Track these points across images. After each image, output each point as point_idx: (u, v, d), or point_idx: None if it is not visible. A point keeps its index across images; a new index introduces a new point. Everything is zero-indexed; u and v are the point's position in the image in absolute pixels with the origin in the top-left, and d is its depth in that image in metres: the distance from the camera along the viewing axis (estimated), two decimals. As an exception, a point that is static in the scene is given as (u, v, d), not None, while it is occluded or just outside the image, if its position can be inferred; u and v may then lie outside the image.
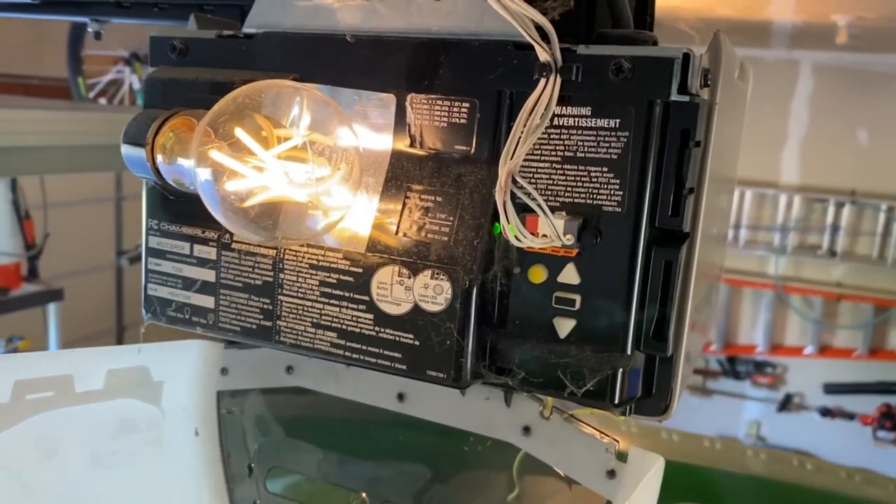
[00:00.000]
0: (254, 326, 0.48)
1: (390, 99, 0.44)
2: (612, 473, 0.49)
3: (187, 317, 0.50)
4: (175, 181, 0.44)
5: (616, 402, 0.43)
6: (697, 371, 2.91)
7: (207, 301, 0.49)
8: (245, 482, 0.57)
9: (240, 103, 0.40)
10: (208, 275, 0.49)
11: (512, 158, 0.40)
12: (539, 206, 0.40)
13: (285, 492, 0.57)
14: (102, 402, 0.51)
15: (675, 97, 0.40)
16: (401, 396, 0.54)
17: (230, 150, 0.41)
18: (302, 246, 0.46)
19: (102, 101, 2.57)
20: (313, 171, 0.40)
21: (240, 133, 0.40)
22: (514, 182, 0.40)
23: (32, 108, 1.96)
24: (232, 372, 0.58)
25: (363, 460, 0.56)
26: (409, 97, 0.44)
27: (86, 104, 2.44)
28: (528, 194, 0.40)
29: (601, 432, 0.50)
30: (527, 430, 0.51)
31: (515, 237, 0.40)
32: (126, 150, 0.44)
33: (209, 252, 0.48)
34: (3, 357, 0.45)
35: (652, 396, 0.46)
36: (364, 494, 0.54)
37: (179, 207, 0.48)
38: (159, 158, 0.43)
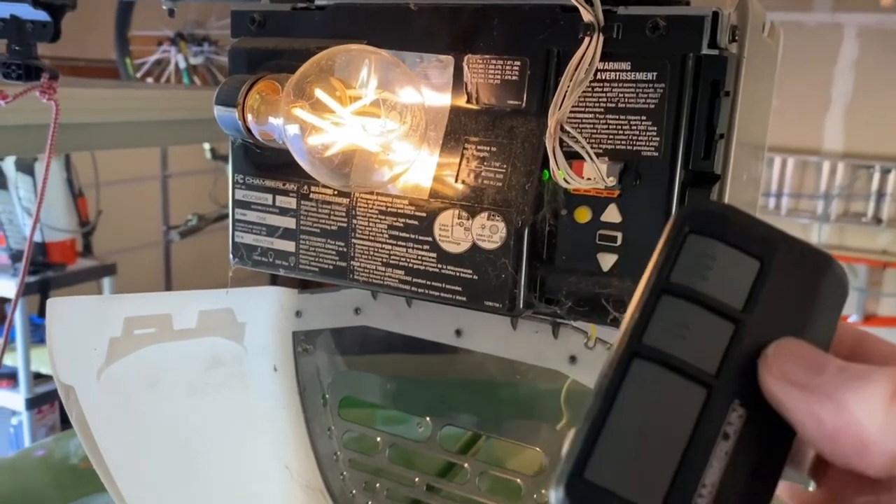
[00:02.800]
0: (330, 267, 0.54)
1: (449, 60, 0.50)
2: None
3: (271, 260, 0.56)
4: (263, 137, 0.50)
5: (655, 326, 0.48)
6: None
7: (289, 246, 0.55)
8: (320, 411, 0.64)
9: (321, 66, 0.46)
10: (289, 222, 0.55)
11: (560, 109, 0.45)
12: (585, 151, 0.45)
13: (356, 419, 0.63)
14: (195, 339, 0.58)
15: (705, 51, 0.45)
16: (458, 332, 0.59)
17: (312, 108, 0.46)
18: (372, 194, 0.52)
19: (149, 80, 2.66)
20: (385, 125, 0.46)
21: (320, 94, 0.46)
22: (563, 130, 0.45)
23: (85, 86, 2.04)
24: (305, 314, 0.64)
25: (424, 389, 0.63)
26: (465, 58, 0.49)
27: (135, 83, 2.53)
28: (576, 141, 0.45)
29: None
30: (573, 359, 0.56)
31: (564, 180, 0.46)
32: (219, 110, 0.50)
33: (290, 202, 0.55)
34: (114, 297, 0.52)
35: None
36: (427, 418, 0.60)
37: (263, 162, 0.55)
38: (249, 118, 0.49)
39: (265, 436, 0.62)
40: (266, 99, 0.49)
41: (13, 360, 2.30)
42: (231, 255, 0.57)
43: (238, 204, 0.56)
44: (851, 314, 2.98)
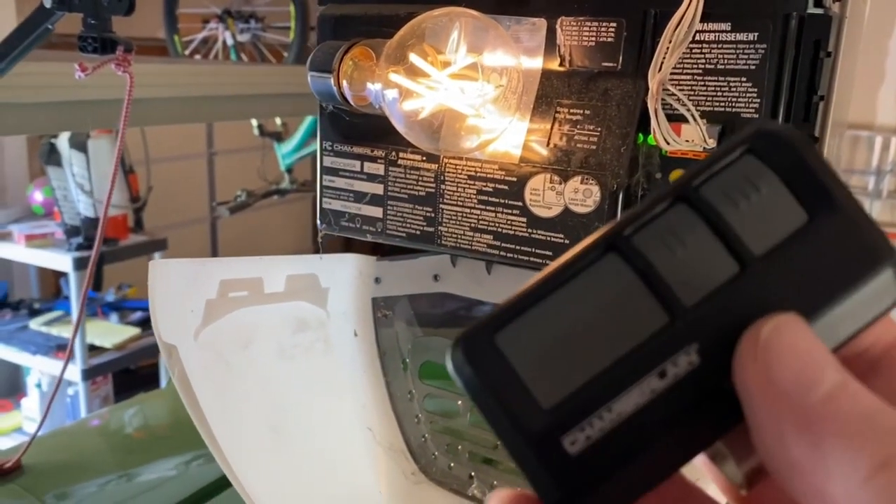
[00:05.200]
0: (418, 232, 0.55)
1: (541, 23, 0.50)
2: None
3: (358, 226, 0.57)
4: (357, 103, 0.50)
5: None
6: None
7: (376, 211, 0.56)
8: (400, 375, 0.65)
9: (419, 31, 0.46)
10: (377, 188, 0.55)
11: (661, 71, 0.45)
12: (689, 112, 0.45)
13: (436, 383, 0.64)
14: (284, 303, 0.59)
15: (811, 10, 0.44)
16: (540, 298, 0.60)
17: (408, 72, 0.47)
18: (461, 159, 0.52)
19: (197, 58, 2.69)
20: (482, 88, 0.46)
21: (416, 59, 0.46)
22: (665, 92, 0.45)
23: (135, 62, 2.06)
24: (384, 281, 0.65)
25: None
26: (559, 20, 0.49)
27: (185, 59, 2.56)
28: (680, 102, 0.45)
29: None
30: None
31: (665, 140, 0.45)
32: (313, 77, 0.50)
33: (378, 168, 0.55)
34: (210, 260, 0.53)
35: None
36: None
37: (351, 130, 0.55)
38: (344, 84, 0.49)
39: (348, 398, 0.64)
40: (360, 65, 0.50)
41: (69, 332, 2.37)
42: (319, 221, 0.58)
43: (326, 171, 0.57)
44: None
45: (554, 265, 0.18)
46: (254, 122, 2.40)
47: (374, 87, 0.48)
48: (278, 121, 2.49)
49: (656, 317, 0.17)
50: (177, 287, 0.51)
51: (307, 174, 3.24)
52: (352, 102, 0.50)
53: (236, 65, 2.40)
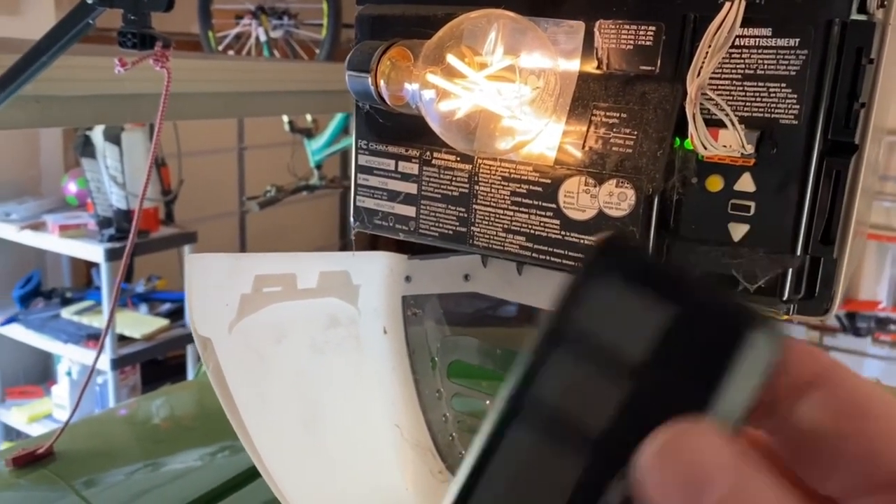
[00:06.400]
0: (450, 232, 0.55)
1: (579, 26, 0.50)
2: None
3: (391, 224, 0.57)
4: (393, 103, 0.50)
5: (784, 298, 0.48)
6: (814, 326, 2.85)
7: (409, 210, 0.56)
8: (429, 374, 0.65)
9: (457, 32, 0.46)
10: (411, 187, 0.56)
11: (699, 76, 0.44)
12: (728, 117, 0.44)
13: (464, 382, 0.64)
14: (316, 299, 0.60)
15: (854, 16, 0.44)
16: (570, 300, 0.60)
17: (445, 73, 0.47)
18: (495, 161, 0.52)
19: (230, 53, 2.72)
20: (519, 90, 0.46)
21: (454, 60, 0.47)
22: (704, 96, 0.45)
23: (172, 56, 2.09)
24: (415, 279, 0.65)
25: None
26: (597, 23, 0.49)
27: (218, 55, 2.59)
28: (719, 107, 0.45)
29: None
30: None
31: (702, 145, 0.45)
32: (351, 76, 0.51)
33: (412, 168, 0.56)
34: (246, 255, 0.54)
35: (814, 298, 0.50)
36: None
37: (387, 129, 0.56)
38: (381, 83, 0.50)
39: (377, 395, 0.64)
40: (397, 65, 0.50)
41: (100, 322, 2.41)
42: (352, 219, 0.59)
43: (361, 169, 0.58)
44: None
45: (476, 445, 0.19)
46: (285, 119, 2.42)
47: (411, 87, 0.48)
48: (308, 117, 2.51)
49: (575, 462, 0.18)
50: (213, 281, 0.52)
51: (335, 171, 3.26)
52: (388, 102, 0.51)
53: (270, 61, 2.42)
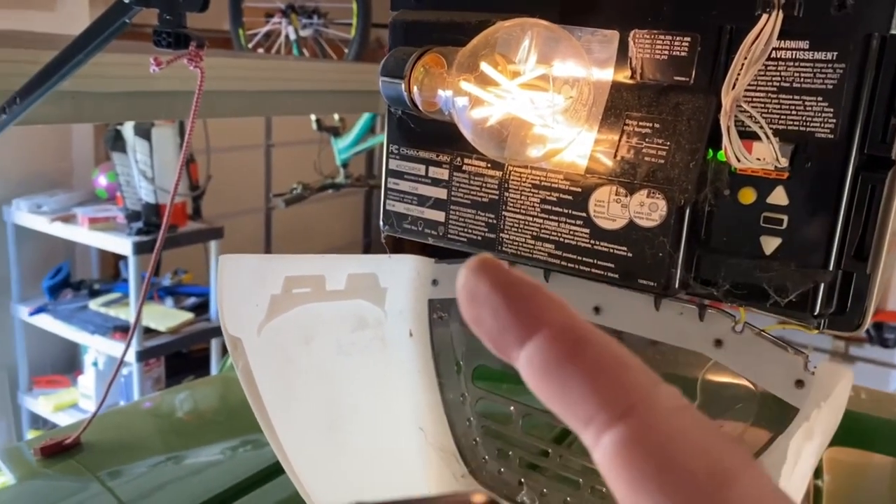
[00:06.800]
0: (479, 238, 0.55)
1: (614, 35, 0.50)
2: (800, 383, 0.53)
3: (420, 229, 0.57)
4: (426, 109, 0.51)
5: (815, 313, 0.47)
6: (840, 336, 2.81)
7: (439, 216, 0.57)
8: (454, 378, 0.65)
9: (492, 41, 0.47)
10: (440, 193, 0.56)
11: (734, 88, 0.44)
12: (763, 130, 0.44)
13: (490, 387, 0.65)
14: (344, 301, 0.60)
15: (894, 31, 0.43)
16: (597, 309, 0.60)
17: (478, 81, 0.47)
18: (526, 168, 0.53)
19: (260, 51, 2.74)
20: (553, 99, 0.46)
21: (488, 68, 0.47)
22: (739, 109, 0.45)
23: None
24: (441, 283, 0.66)
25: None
26: (631, 33, 0.49)
27: (250, 53, 2.61)
28: (753, 120, 0.45)
29: (791, 347, 0.54)
30: (719, 342, 0.56)
31: (736, 158, 0.45)
32: (384, 82, 0.51)
33: (442, 173, 0.56)
34: (276, 256, 0.55)
35: (846, 313, 0.49)
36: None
37: (418, 134, 0.56)
38: (414, 89, 0.50)
39: (402, 398, 0.65)
40: (430, 72, 0.51)
41: (126, 314, 2.44)
42: (381, 223, 0.59)
43: (391, 173, 0.58)
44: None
45: None
46: (312, 117, 2.43)
47: (444, 93, 0.48)
48: (336, 116, 2.52)
49: None
50: (244, 281, 0.53)
51: (361, 170, 3.28)
52: (421, 108, 0.51)
53: (301, 61, 2.44)
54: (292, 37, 2.63)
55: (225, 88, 1.90)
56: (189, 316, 2.48)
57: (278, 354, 0.55)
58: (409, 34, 0.55)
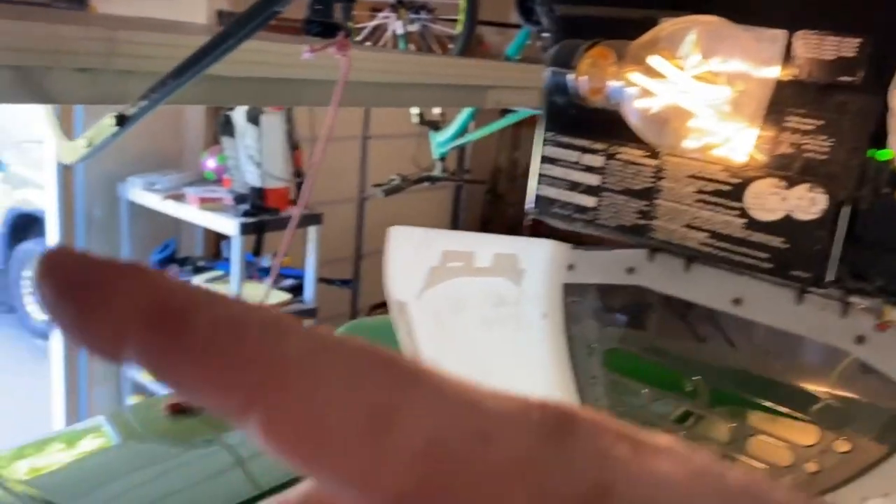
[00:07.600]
0: (629, 224, 0.58)
1: (781, 34, 0.51)
2: (946, 385, 0.54)
3: (569, 213, 0.61)
4: (590, 97, 0.54)
5: (973, 314, 0.48)
6: None
7: (589, 201, 0.60)
8: (585, 360, 0.68)
9: (662, 36, 0.49)
10: (593, 179, 0.59)
11: (907, 88, 0.46)
12: (936, 129, 0.45)
13: (622, 372, 0.67)
14: (488, 278, 0.64)
15: None
16: (737, 301, 0.61)
17: (647, 73, 0.50)
18: (683, 158, 0.55)
19: (367, 45, 2.82)
20: (720, 93, 0.49)
21: (660, 61, 0.49)
22: (911, 108, 0.46)
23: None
24: (577, 268, 0.68)
25: (694, 352, 0.65)
26: (799, 33, 0.51)
27: (359, 46, 2.69)
28: (927, 118, 0.46)
29: (938, 348, 0.54)
30: (860, 339, 0.57)
31: (905, 156, 0.46)
32: (553, 72, 0.54)
33: (596, 160, 0.59)
34: (436, 231, 0.59)
35: None
36: (696, 378, 0.63)
37: (575, 123, 0.59)
38: (581, 80, 0.53)
39: (535, 375, 0.68)
40: (597, 63, 0.53)
41: (226, 291, 2.56)
42: (532, 206, 0.62)
43: (545, 160, 0.61)
44: None
45: None
46: (414, 111, 2.49)
47: (614, 84, 0.51)
48: (437, 110, 2.57)
49: None
50: (410, 251, 0.57)
51: (453, 164, 3.32)
52: (586, 97, 0.54)
53: (414, 54, 2.49)
54: (399, 31, 2.69)
55: (335, 78, 1.96)
56: (286, 297, 2.58)
57: (433, 321, 0.59)
58: (577, 27, 0.58)
